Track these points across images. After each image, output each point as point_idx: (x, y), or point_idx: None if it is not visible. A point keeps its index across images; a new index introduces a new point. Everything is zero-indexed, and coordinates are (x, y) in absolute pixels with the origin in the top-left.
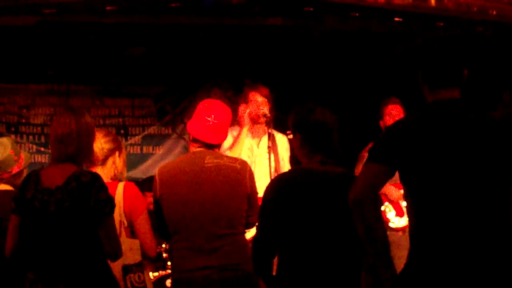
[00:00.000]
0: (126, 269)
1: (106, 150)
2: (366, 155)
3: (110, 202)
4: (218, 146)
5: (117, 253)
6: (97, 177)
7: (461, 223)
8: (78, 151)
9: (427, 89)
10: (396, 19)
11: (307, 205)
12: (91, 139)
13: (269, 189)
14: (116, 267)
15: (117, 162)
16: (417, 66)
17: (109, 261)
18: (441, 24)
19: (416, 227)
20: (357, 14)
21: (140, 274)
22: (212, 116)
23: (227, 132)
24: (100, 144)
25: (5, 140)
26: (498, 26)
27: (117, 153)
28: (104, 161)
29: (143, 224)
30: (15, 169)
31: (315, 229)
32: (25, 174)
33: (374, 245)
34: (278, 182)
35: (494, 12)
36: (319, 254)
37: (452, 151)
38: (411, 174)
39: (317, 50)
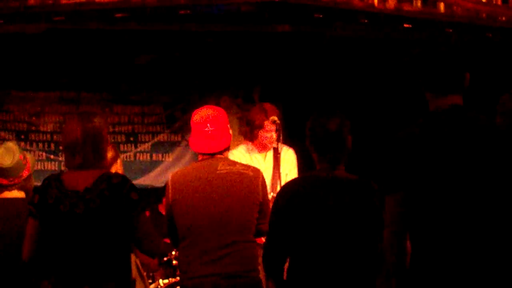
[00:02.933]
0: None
1: (109, 159)
2: None
3: (142, 201)
4: (226, 150)
5: (157, 249)
6: (127, 179)
7: (464, 232)
8: (86, 159)
9: (430, 96)
10: (406, 25)
11: (315, 211)
12: (99, 145)
13: (278, 196)
14: None
15: (119, 170)
16: (417, 74)
17: None
18: (450, 30)
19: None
20: (366, 21)
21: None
22: (208, 125)
23: (228, 134)
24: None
25: (11, 145)
26: (507, 32)
27: (118, 161)
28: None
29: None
30: (25, 173)
31: (322, 235)
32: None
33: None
34: (287, 189)
35: (503, 18)
36: (328, 259)
37: (453, 160)
38: (417, 190)
39: (327, 57)
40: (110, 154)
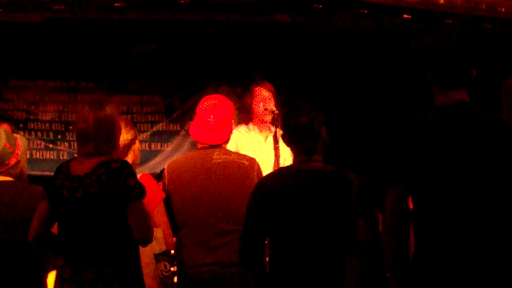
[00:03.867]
0: (156, 259)
1: (128, 141)
2: None
3: (138, 188)
4: (224, 143)
5: (147, 238)
6: (127, 164)
7: (468, 227)
8: (97, 147)
9: (437, 90)
10: (405, 16)
11: (291, 202)
12: (111, 132)
13: (254, 189)
14: (149, 255)
15: (136, 151)
16: (426, 67)
17: (141, 248)
18: (450, 21)
19: (420, 229)
20: (366, 11)
21: (166, 263)
22: (212, 116)
23: (230, 128)
24: (124, 135)
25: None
26: (507, 23)
27: (137, 142)
28: (127, 152)
29: (160, 215)
30: (12, 160)
31: (298, 226)
32: (22, 161)
33: (395, 265)
34: (264, 181)
35: (503, 10)
36: (305, 250)
37: (460, 155)
38: (421, 183)
39: (326, 47)
40: (130, 136)
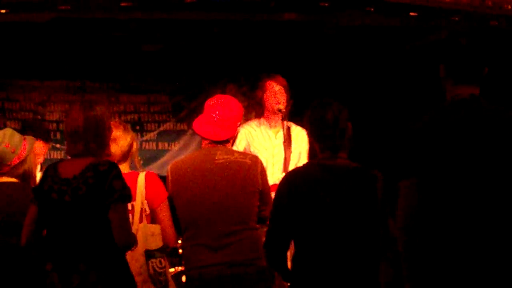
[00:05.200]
0: (149, 255)
1: (127, 147)
2: None
3: (121, 191)
4: (228, 141)
5: (128, 242)
6: (114, 166)
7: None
8: (87, 147)
9: (449, 84)
10: (411, 13)
11: (317, 199)
12: (101, 133)
13: (281, 183)
14: (139, 250)
15: (135, 153)
16: (440, 59)
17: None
18: (456, 18)
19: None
20: (372, 9)
21: (162, 259)
22: (217, 112)
23: (234, 127)
24: (121, 142)
25: (1, 132)
26: None
27: (134, 145)
28: (126, 158)
29: (163, 212)
30: (15, 161)
31: (325, 223)
32: (30, 162)
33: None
34: (290, 177)
35: (509, 7)
36: (332, 247)
37: (471, 150)
38: (431, 177)
39: (333, 45)
40: (127, 142)
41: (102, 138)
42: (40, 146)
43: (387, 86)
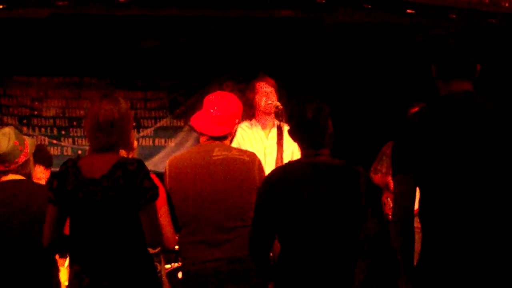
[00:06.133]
0: None
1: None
2: (387, 151)
3: (152, 190)
4: (225, 137)
5: (158, 241)
6: (143, 165)
7: (474, 215)
8: (119, 139)
9: (441, 82)
10: (409, 11)
11: (300, 197)
12: (131, 126)
13: (264, 182)
14: None
15: (135, 149)
16: (431, 59)
17: None
18: (454, 16)
19: (429, 220)
20: (369, 6)
21: (157, 264)
22: (215, 108)
23: (232, 123)
24: None
25: (8, 130)
26: (511, 18)
27: (135, 142)
28: (130, 151)
29: (163, 216)
30: (22, 159)
31: (308, 220)
32: (31, 160)
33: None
34: (273, 175)
35: (507, 4)
36: (316, 244)
37: (466, 144)
38: (427, 172)
39: (330, 42)
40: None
41: (127, 133)
42: (41, 171)
43: (385, 83)
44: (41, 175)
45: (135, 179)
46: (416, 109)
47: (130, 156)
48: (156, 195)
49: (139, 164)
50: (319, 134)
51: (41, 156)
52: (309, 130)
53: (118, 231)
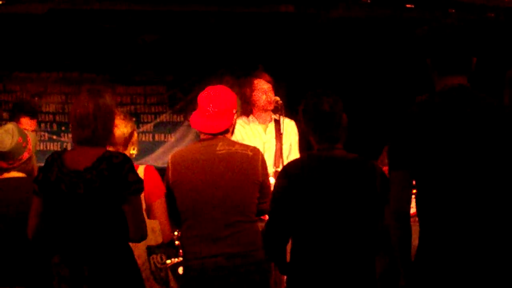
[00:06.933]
0: (150, 251)
1: (128, 134)
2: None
3: (137, 183)
4: (227, 131)
5: (142, 234)
6: (127, 158)
7: (471, 210)
8: (95, 133)
9: (436, 76)
10: (408, 5)
11: (316, 191)
12: (109, 121)
13: (280, 175)
14: (141, 247)
15: (135, 143)
16: (425, 53)
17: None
18: (453, 10)
19: (425, 216)
20: (369, 1)
21: (162, 255)
22: (211, 105)
23: (231, 116)
24: (122, 128)
25: (11, 126)
26: (510, 12)
27: (135, 134)
28: (126, 146)
29: (160, 208)
30: (25, 155)
31: (324, 215)
32: (33, 158)
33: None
34: (289, 168)
35: None
36: (330, 239)
37: (462, 139)
38: (423, 167)
39: (330, 38)
40: (128, 130)
41: (109, 126)
42: (26, 122)
43: (384, 77)
44: (27, 125)
45: (119, 172)
46: None
47: (131, 151)
48: (140, 189)
49: (124, 157)
50: (335, 127)
51: (27, 108)
52: (325, 123)
53: (99, 223)
